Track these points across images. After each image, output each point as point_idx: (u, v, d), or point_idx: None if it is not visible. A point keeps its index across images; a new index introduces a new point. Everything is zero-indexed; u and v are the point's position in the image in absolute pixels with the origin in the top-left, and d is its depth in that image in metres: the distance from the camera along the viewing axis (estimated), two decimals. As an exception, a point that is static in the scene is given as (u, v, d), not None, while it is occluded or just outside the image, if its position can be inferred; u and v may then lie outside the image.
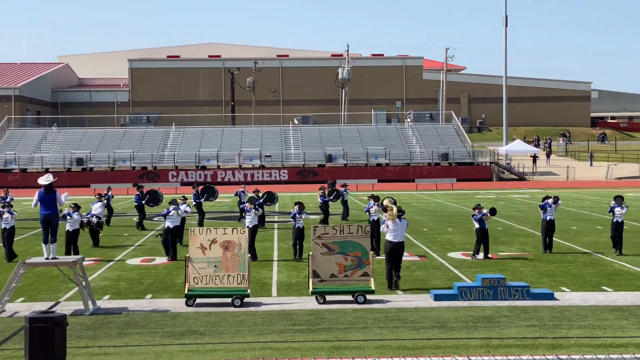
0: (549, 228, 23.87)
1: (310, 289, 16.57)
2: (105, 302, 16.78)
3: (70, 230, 23.73)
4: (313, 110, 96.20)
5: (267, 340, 13.31)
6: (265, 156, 73.45)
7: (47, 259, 16.02)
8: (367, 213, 24.30)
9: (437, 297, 16.52)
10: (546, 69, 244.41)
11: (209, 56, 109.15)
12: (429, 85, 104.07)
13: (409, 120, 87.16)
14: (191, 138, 78.49)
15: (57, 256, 16.31)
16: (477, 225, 22.57)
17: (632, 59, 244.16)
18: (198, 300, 16.35)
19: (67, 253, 23.24)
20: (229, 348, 12.85)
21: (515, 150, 76.27)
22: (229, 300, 16.20)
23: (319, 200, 32.36)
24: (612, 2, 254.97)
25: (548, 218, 23.78)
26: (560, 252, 23.74)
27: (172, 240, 23.29)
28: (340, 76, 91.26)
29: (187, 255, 16.63)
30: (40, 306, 16.08)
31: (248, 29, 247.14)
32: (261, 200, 28.84)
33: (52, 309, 15.71)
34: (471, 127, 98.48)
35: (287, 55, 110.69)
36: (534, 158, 76.40)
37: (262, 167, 72.37)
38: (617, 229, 23.17)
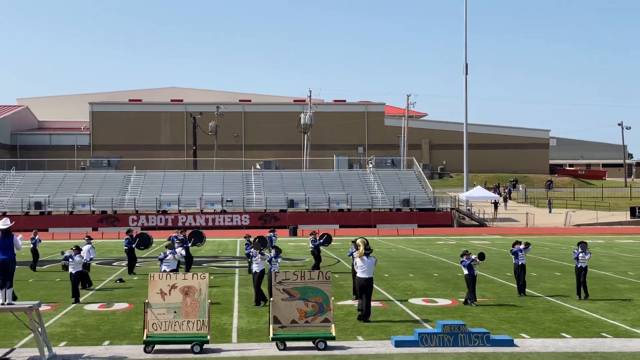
0: (521, 272, 24.44)
1: (271, 335, 16.45)
2: (61, 349, 16.48)
3: (74, 272, 23.78)
4: (275, 155, 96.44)
5: (226, 388, 13.14)
6: (227, 201, 73.24)
7: (2, 304, 15.73)
8: (351, 257, 24.26)
9: (398, 344, 16.49)
10: (506, 116, 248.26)
11: (171, 100, 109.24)
12: (390, 131, 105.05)
13: (370, 165, 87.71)
14: (152, 182, 78.09)
15: (12, 302, 16.02)
16: (465, 272, 22.57)
17: (590, 107, 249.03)
18: (157, 347, 16.13)
19: (75, 295, 23.55)
20: (188, 396, 12.67)
21: (476, 196, 76.99)
22: (188, 346, 16.02)
23: (310, 245, 32.03)
24: (570, 52, 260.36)
25: (520, 262, 24.36)
26: (520, 298, 23.88)
27: None
28: (302, 121, 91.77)
29: (147, 300, 16.44)
30: (-5, 353, 15.74)
31: (210, 73, 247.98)
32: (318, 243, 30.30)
33: (7, 356, 15.38)
34: (432, 173, 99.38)
35: (250, 100, 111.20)
36: (495, 204, 77.15)
37: (224, 212, 72.13)
38: (582, 274, 23.50)
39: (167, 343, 16.13)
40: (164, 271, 22.72)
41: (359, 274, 19.74)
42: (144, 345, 16.08)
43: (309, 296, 16.71)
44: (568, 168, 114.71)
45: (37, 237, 34.16)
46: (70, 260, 23.81)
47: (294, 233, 63.04)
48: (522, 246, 24.53)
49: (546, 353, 15.85)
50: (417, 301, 23.48)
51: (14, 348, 16.65)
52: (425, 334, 16.52)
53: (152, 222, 69.82)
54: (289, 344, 16.40)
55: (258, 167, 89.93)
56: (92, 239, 29.40)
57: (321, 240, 32.18)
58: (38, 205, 71.49)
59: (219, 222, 70.18)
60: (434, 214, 73.43)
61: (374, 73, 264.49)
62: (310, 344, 16.41)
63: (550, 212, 78.43)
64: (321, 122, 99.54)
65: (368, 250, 19.86)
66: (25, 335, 17.72)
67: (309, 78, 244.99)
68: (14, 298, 23.73)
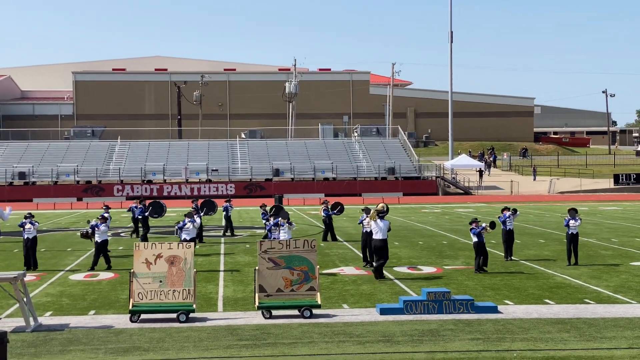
0: (509, 237, 25.19)
1: (257, 303, 16.52)
2: (47, 319, 16.50)
3: (99, 241, 24.09)
4: (260, 125, 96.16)
5: (212, 356, 13.23)
6: (212, 170, 73.12)
7: (-13, 275, 15.71)
8: (361, 224, 24.63)
9: (383, 311, 16.60)
10: (490, 84, 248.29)
11: (155, 69, 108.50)
12: (375, 99, 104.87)
13: (355, 134, 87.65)
14: (137, 152, 77.76)
15: (-3, 272, 16.00)
16: (475, 239, 22.63)
17: (574, 75, 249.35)
18: (143, 316, 16.17)
19: (95, 264, 23.93)
20: (174, 364, 12.74)
21: (461, 164, 77.18)
22: (174, 315, 16.06)
23: (322, 214, 32.12)
24: (555, 20, 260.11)
25: (508, 228, 25.07)
26: (503, 265, 24.06)
27: None
28: (287, 90, 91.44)
29: (132, 270, 16.45)
30: (-20, 323, 15.74)
31: (195, 42, 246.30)
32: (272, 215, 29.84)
33: (-8, 326, 15.38)
34: (417, 142, 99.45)
35: (234, 69, 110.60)
36: (480, 172, 77.40)
37: (209, 181, 72.04)
38: (573, 240, 23.96)
39: (153, 312, 16.17)
40: (184, 239, 23.10)
41: (375, 236, 21.31)
42: (129, 315, 16.12)
43: (294, 265, 16.77)
44: (552, 136, 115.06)
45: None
46: (96, 229, 24.15)
47: (279, 202, 63.02)
48: (509, 213, 25.06)
49: (529, 319, 16.00)
50: (402, 269, 23.61)
51: (0, 318, 16.65)
52: (410, 302, 16.63)
53: (137, 192, 69.62)
54: (274, 312, 16.48)
55: (243, 136, 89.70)
56: (110, 209, 29.56)
57: (334, 211, 32.36)
58: (22, 175, 71.11)
59: (205, 191, 70.07)
60: (419, 182, 73.59)
61: (359, 42, 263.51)
62: (296, 312, 16.49)
63: (534, 179, 78.77)
64: (306, 91, 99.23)
65: (382, 214, 21.25)
66: (11, 306, 17.72)
67: (293, 47, 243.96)
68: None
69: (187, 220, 23.58)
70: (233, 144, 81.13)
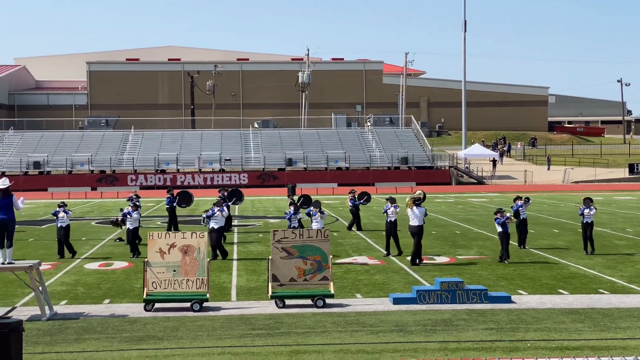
0: (522, 226, 25.32)
1: (270, 293, 16.56)
2: (62, 307, 16.60)
3: (131, 228, 24.50)
4: (273, 114, 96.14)
5: (226, 345, 13.28)
6: (225, 160, 73.18)
7: (2, 263, 15.81)
8: (385, 214, 24.81)
9: (396, 301, 16.61)
10: (504, 74, 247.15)
11: (169, 59, 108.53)
12: (388, 89, 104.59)
13: (369, 124, 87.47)
14: (150, 142, 77.91)
15: (13, 261, 16.10)
16: (499, 229, 22.56)
17: (589, 64, 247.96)
18: (157, 305, 16.25)
19: (132, 251, 24.44)
20: (188, 353, 12.80)
21: (474, 154, 76.92)
22: (188, 304, 16.13)
23: (349, 204, 32.12)
24: (570, 9, 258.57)
25: (521, 217, 25.17)
26: (517, 255, 24.01)
27: (217, 240, 23.65)
28: (300, 80, 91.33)
29: (146, 259, 16.52)
30: (-4, 312, 15.85)
31: (208, 32, 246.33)
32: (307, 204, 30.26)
33: (8, 315, 15.49)
34: (431, 131, 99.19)
35: (247, 59, 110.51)
36: (494, 162, 77.16)
37: (222, 170, 72.12)
38: (588, 229, 24.07)
39: (166, 301, 16.25)
40: (212, 228, 23.43)
41: (411, 223, 22.31)
42: (144, 304, 16.20)
43: (307, 254, 16.79)
44: (567, 125, 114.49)
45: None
46: (128, 217, 24.59)
47: (292, 192, 63.05)
48: (521, 202, 25.22)
49: (543, 309, 15.97)
50: (416, 259, 23.57)
51: (15, 307, 16.77)
52: (423, 291, 16.63)
53: (151, 182, 69.82)
54: (287, 302, 16.51)
55: (256, 126, 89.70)
56: (140, 197, 29.85)
57: (361, 200, 32.39)
58: (37, 164, 71.41)
59: (218, 181, 70.15)
60: (432, 172, 73.44)
61: (372, 31, 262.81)
62: (309, 301, 16.52)
63: (548, 169, 78.46)
64: (319, 81, 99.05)
65: (418, 201, 22.27)
66: (26, 294, 17.84)
67: (306, 36, 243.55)
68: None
69: (216, 209, 23.78)
70: (246, 133, 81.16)
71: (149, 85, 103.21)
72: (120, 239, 29.15)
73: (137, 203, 26.27)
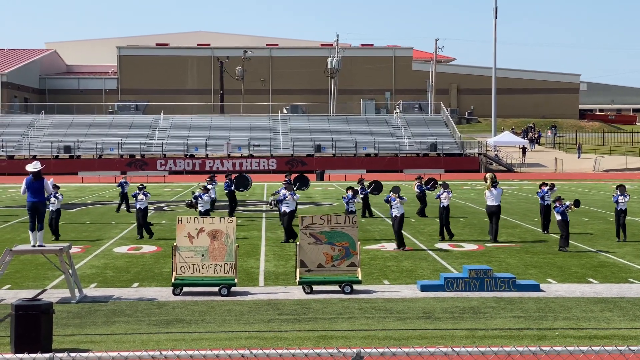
0: (547, 212, 25.87)
1: (298, 278, 16.59)
2: (91, 290, 16.76)
3: (202, 210, 25.02)
4: (302, 100, 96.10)
5: (253, 330, 13.33)
6: (254, 145, 73.36)
7: (33, 246, 15.98)
8: (438, 199, 25.06)
9: (424, 288, 16.58)
10: (535, 61, 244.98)
11: (198, 44, 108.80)
12: (418, 75, 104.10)
13: (398, 110, 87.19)
14: (180, 126, 78.28)
15: (43, 244, 16.27)
16: (559, 218, 22.23)
17: (621, 52, 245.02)
18: (185, 289, 16.35)
19: (139, 233, 25.19)
20: (216, 337, 12.87)
21: (504, 141, 76.45)
22: (216, 289, 16.20)
23: (416, 190, 32.08)
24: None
25: (546, 203, 25.80)
26: (546, 243, 23.85)
27: (289, 223, 24.09)
28: (329, 66, 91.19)
29: (175, 244, 16.62)
30: (27, 294, 16.04)
31: (238, 17, 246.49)
32: (369, 190, 30.93)
33: (39, 297, 15.67)
34: (460, 118, 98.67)
35: (277, 45, 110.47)
36: (524, 149, 76.62)
37: (251, 156, 72.33)
38: (621, 216, 24.15)
39: (195, 286, 16.33)
40: (284, 211, 24.06)
41: (489, 203, 23.98)
42: (172, 288, 16.31)
43: (335, 240, 16.79)
44: (598, 113, 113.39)
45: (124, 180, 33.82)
46: (199, 199, 25.18)
47: (320, 178, 63.16)
48: (547, 188, 25.79)
49: (572, 298, 15.86)
50: (444, 246, 23.54)
51: (46, 289, 16.96)
52: (451, 279, 16.58)
53: (180, 167, 70.19)
54: (315, 287, 16.54)
55: (285, 111, 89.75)
56: (214, 181, 30.48)
57: (428, 186, 32.50)
58: (67, 149, 72.08)
59: (246, 166, 70.38)
60: (461, 159, 73.13)
61: (402, 17, 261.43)
62: (336, 287, 16.54)
63: (579, 157, 77.80)
64: (348, 67, 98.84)
65: (495, 183, 23.96)
66: (57, 277, 18.02)
67: (336, 22, 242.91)
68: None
69: (287, 193, 24.24)
70: (275, 119, 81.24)
71: (178, 70, 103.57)
72: (149, 223, 29.34)
73: (208, 186, 27.26)
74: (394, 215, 22.66)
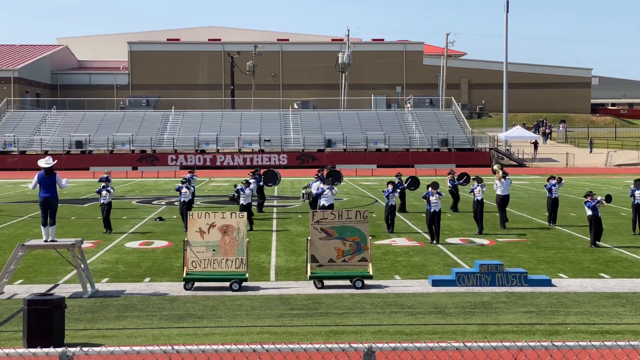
0: (554, 205, 26.85)
1: (309, 273, 16.60)
2: (103, 285, 16.82)
3: (244, 204, 25.83)
4: (313, 95, 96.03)
5: (264, 325, 13.35)
6: (265, 140, 73.38)
7: (45, 241, 16.04)
8: (472, 193, 25.51)
9: (435, 283, 16.56)
10: (547, 55, 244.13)
11: (209, 40, 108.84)
12: (429, 70, 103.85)
13: (408, 105, 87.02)
14: (191, 122, 78.39)
15: (55, 239, 16.32)
16: (589, 213, 22.04)
17: (633, 45, 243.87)
18: (196, 284, 16.38)
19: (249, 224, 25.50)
20: (227, 332, 12.89)
21: (515, 136, 76.20)
22: (227, 284, 16.23)
23: (449, 185, 32.03)
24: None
25: (554, 196, 26.69)
26: (558, 238, 23.78)
27: None
28: (340, 61, 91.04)
29: (186, 239, 16.65)
30: (39, 288, 16.11)
31: (248, 12, 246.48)
32: (405, 185, 30.99)
33: (51, 292, 15.73)
34: (471, 113, 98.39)
35: (287, 40, 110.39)
36: (535, 144, 76.37)
37: (262, 151, 72.36)
38: (638, 210, 24.40)
39: (206, 280, 16.37)
40: (323, 205, 24.26)
41: (500, 192, 25.75)
42: (184, 282, 16.34)
43: (346, 235, 16.79)
44: (610, 107, 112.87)
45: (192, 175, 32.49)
46: (241, 192, 26.00)
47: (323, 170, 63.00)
48: (554, 181, 26.54)
49: (584, 293, 15.81)
50: (455, 241, 23.51)
51: (58, 284, 17.02)
52: (462, 274, 16.55)
53: (191, 162, 70.27)
54: (326, 282, 16.54)
55: (296, 106, 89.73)
56: (257, 174, 30.98)
57: (460, 181, 32.68)
58: (79, 144, 72.27)
59: (257, 161, 70.39)
60: (472, 154, 72.94)
61: (413, 11, 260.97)
62: (347, 282, 16.54)
63: (591, 152, 77.51)
64: (359, 62, 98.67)
65: (505, 174, 25.87)
66: (69, 272, 18.09)
67: (347, 17, 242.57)
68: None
69: (325, 187, 24.57)
70: (286, 114, 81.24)
71: (189, 65, 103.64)
72: (161, 218, 29.44)
73: (250, 180, 27.91)
74: (432, 211, 22.75)
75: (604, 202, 22.08)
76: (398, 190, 30.52)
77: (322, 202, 24.60)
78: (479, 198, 24.96)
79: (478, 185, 25.11)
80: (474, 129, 79.99)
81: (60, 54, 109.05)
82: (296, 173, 60.87)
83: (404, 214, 30.92)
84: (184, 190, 26.59)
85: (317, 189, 25.52)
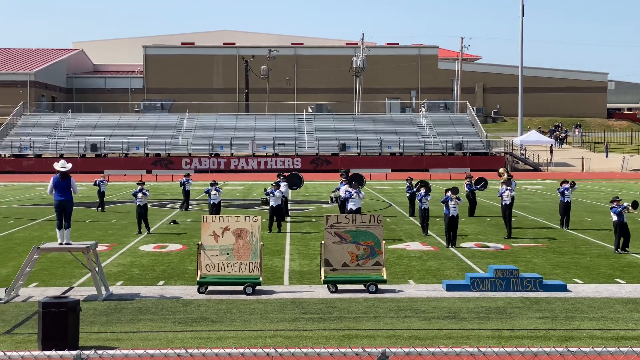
0: (566, 208, 27.09)
1: (322, 277, 16.57)
2: (118, 288, 16.85)
3: (274, 205, 26.39)
4: (327, 99, 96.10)
5: (278, 329, 13.33)
6: (279, 144, 73.45)
7: (60, 244, 16.09)
8: (500, 197, 25.53)
9: (449, 288, 16.49)
10: (562, 59, 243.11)
11: (224, 43, 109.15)
12: (444, 74, 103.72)
13: (423, 109, 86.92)
14: (205, 125, 78.59)
15: (70, 242, 16.37)
16: (615, 218, 21.81)
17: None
18: (210, 288, 16.39)
19: (271, 226, 26.28)
20: (240, 335, 12.88)
21: (530, 140, 75.98)
22: (240, 287, 16.23)
23: (466, 189, 31.89)
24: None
25: (566, 200, 26.99)
26: (574, 243, 23.65)
27: None
28: (354, 65, 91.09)
29: (200, 242, 16.66)
30: (54, 291, 16.16)
31: (263, 16, 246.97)
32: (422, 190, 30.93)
33: (66, 294, 15.78)
34: (486, 117, 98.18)
35: (302, 43, 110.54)
36: (551, 149, 76.08)
37: (276, 155, 72.44)
38: None
39: (220, 284, 16.37)
40: (351, 209, 24.23)
41: (506, 202, 25.13)
42: (197, 286, 16.35)
43: (360, 239, 16.76)
44: (626, 112, 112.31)
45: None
46: (271, 195, 26.41)
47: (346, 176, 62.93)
48: (568, 185, 26.75)
49: (600, 298, 15.71)
50: (469, 245, 23.42)
51: (72, 287, 17.07)
52: (477, 279, 16.48)
53: (205, 165, 70.44)
54: (340, 286, 16.51)
55: (310, 110, 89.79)
56: (284, 177, 31.39)
57: (478, 186, 32.19)
58: (94, 147, 72.60)
59: (271, 165, 70.50)
60: (487, 158, 72.74)
61: (428, 15, 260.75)
62: (361, 287, 16.50)
63: (607, 156, 77.13)
64: (373, 66, 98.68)
65: (510, 176, 26.22)
66: (83, 275, 18.14)
67: (361, 21, 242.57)
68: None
69: (353, 191, 24.58)
70: (300, 118, 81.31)
71: (203, 69, 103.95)
72: (175, 222, 29.49)
73: (281, 183, 28.38)
74: (450, 215, 22.69)
75: (630, 208, 21.84)
76: (460, 196, 30.58)
77: (350, 206, 24.47)
78: (507, 202, 24.86)
79: (506, 189, 24.98)
80: (488, 133, 79.82)
81: (75, 58, 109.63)
82: (310, 177, 60.83)
83: (416, 218, 30.84)
84: (213, 192, 27.48)
85: (345, 193, 25.55)
